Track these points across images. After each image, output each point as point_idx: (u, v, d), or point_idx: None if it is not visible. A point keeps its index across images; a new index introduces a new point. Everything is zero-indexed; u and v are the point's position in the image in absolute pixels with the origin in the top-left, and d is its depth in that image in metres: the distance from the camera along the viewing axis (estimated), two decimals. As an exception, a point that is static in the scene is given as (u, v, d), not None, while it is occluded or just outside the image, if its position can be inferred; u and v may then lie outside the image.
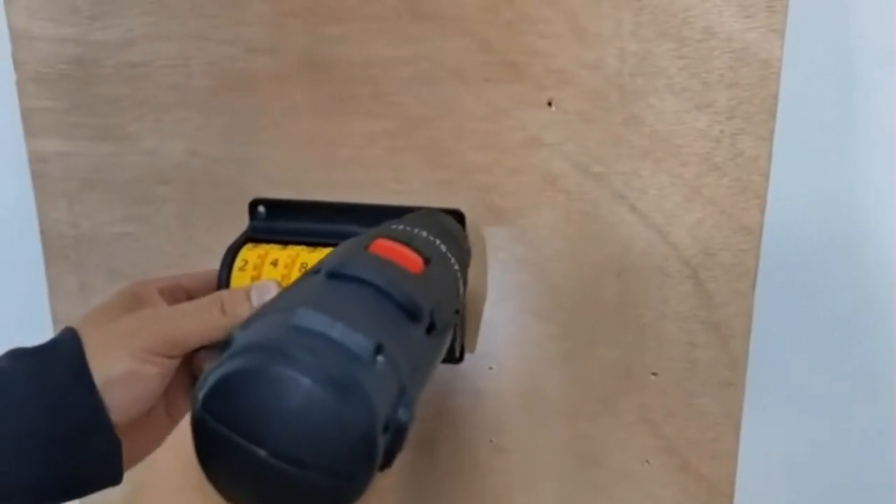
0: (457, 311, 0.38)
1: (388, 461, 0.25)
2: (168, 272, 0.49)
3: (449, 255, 0.40)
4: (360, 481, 0.24)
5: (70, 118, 0.57)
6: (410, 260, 0.33)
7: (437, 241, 0.39)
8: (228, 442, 0.23)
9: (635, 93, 0.48)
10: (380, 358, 0.25)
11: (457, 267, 0.40)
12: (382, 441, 0.24)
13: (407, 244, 0.34)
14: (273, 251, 0.49)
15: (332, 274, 0.30)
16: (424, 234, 0.39)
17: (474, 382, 0.54)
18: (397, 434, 0.25)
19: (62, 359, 0.38)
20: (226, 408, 0.23)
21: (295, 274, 0.47)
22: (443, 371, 0.54)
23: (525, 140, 0.50)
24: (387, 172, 0.52)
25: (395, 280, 0.31)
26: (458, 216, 0.51)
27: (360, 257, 0.32)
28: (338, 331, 0.24)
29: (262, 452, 0.23)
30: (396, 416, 0.25)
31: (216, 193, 0.55)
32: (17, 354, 0.39)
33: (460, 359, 0.53)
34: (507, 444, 0.55)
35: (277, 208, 0.53)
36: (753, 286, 0.49)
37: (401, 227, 0.40)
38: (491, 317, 0.53)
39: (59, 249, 0.59)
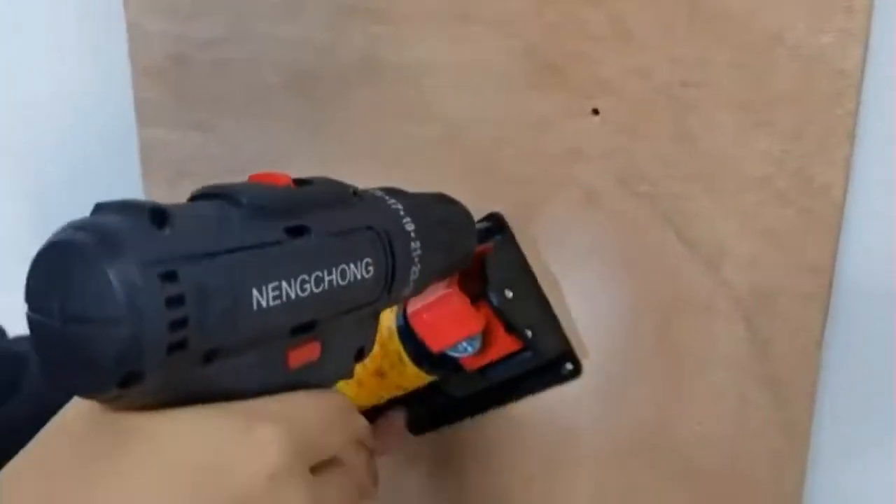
0: (392, 254, 0.34)
1: (180, 321, 0.24)
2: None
3: (404, 215, 0.36)
4: (132, 324, 0.23)
5: (171, 110, 0.61)
6: (276, 178, 0.31)
7: (390, 200, 0.36)
8: (39, 326, 0.24)
9: (687, 105, 0.42)
10: (166, 227, 0.25)
11: (411, 226, 0.36)
12: (150, 284, 0.24)
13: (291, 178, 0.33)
14: None
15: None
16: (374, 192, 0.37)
17: (507, 409, 0.51)
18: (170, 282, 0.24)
19: None
20: (30, 293, 0.25)
21: None
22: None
23: (567, 151, 0.46)
24: (428, 176, 0.50)
25: (239, 186, 0.29)
26: (496, 218, 0.48)
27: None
28: (129, 206, 0.25)
29: (54, 322, 0.24)
30: (169, 270, 0.24)
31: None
32: None
33: (577, 369, 0.48)
34: (538, 480, 0.51)
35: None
36: (819, 340, 0.41)
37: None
38: (524, 339, 0.50)
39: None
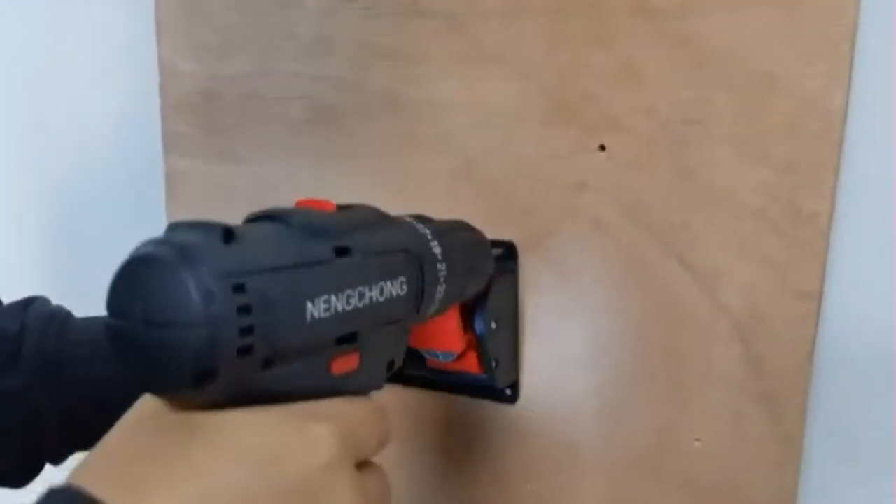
0: (422, 274, 0.38)
1: (248, 329, 0.27)
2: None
3: (432, 238, 0.40)
4: (208, 328, 0.26)
5: (197, 141, 0.65)
6: (322, 204, 0.35)
7: (418, 225, 0.40)
8: (120, 331, 0.27)
9: (688, 141, 0.46)
10: (233, 244, 0.28)
11: (438, 249, 0.40)
12: (224, 294, 0.26)
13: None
14: None
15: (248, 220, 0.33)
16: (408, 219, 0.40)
17: (516, 423, 0.54)
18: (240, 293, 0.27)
19: None
20: (113, 302, 0.27)
21: None
22: (487, 409, 0.54)
23: (576, 184, 0.49)
24: (446, 205, 0.54)
25: (291, 210, 0.33)
26: (509, 247, 0.51)
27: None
28: (201, 225, 0.28)
29: (136, 326, 0.26)
30: (239, 282, 0.27)
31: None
32: None
33: (515, 398, 0.53)
34: (546, 494, 0.53)
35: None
36: (810, 358, 0.45)
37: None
38: (534, 360, 0.53)
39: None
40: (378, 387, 0.37)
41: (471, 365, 0.49)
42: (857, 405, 0.45)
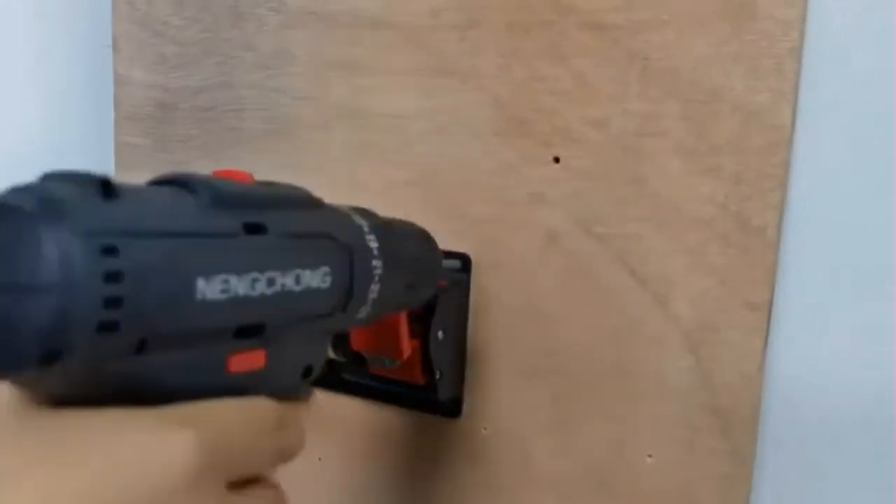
0: (351, 268, 0.33)
1: (114, 302, 0.22)
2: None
3: (369, 232, 0.36)
4: (62, 294, 0.21)
5: (151, 154, 0.64)
6: (241, 176, 0.30)
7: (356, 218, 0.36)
8: None
9: (640, 153, 0.47)
10: (113, 200, 0.23)
11: (374, 244, 0.35)
12: (87, 256, 0.22)
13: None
14: None
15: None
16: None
17: (469, 442, 0.53)
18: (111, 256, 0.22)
19: None
20: None
21: None
22: (441, 425, 0.53)
23: (529, 196, 0.50)
24: (402, 216, 0.53)
25: (200, 177, 0.28)
26: (465, 259, 0.51)
27: None
28: (79, 175, 0.24)
29: None
30: (110, 243, 0.23)
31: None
32: None
33: (457, 413, 0.52)
34: (497, 513, 0.52)
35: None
36: (761, 369, 0.45)
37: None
38: (484, 374, 0.52)
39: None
40: (292, 393, 0.32)
41: (415, 375, 0.48)
42: (811, 419, 0.45)
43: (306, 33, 0.56)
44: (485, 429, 0.52)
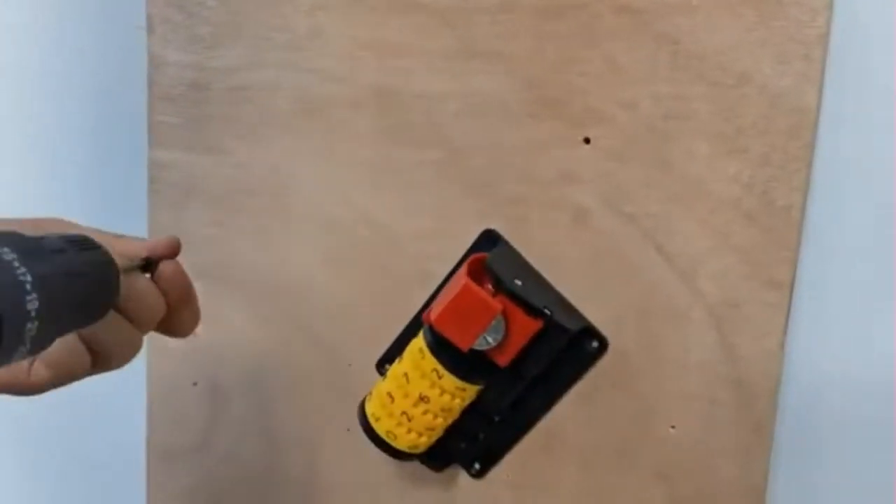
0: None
1: None
2: (248, 275, 0.59)
3: (19, 266, 0.29)
4: None
5: (183, 133, 0.65)
6: None
7: None
8: None
9: (668, 135, 0.48)
10: None
11: (27, 279, 0.29)
12: None
13: None
14: None
15: None
16: None
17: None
18: None
19: None
20: None
21: None
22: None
23: (559, 175, 0.51)
24: (431, 198, 0.55)
25: None
26: (492, 235, 0.53)
27: None
28: None
29: None
30: None
31: (291, 206, 0.61)
32: None
33: (603, 347, 0.51)
34: (522, 483, 0.54)
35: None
36: (782, 346, 0.47)
37: None
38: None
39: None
40: None
41: (527, 324, 0.47)
42: (828, 395, 0.47)
43: (339, 14, 0.57)
44: (511, 401, 0.54)
